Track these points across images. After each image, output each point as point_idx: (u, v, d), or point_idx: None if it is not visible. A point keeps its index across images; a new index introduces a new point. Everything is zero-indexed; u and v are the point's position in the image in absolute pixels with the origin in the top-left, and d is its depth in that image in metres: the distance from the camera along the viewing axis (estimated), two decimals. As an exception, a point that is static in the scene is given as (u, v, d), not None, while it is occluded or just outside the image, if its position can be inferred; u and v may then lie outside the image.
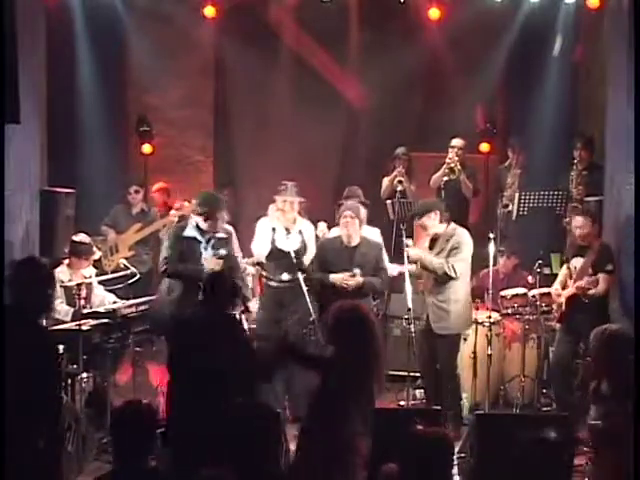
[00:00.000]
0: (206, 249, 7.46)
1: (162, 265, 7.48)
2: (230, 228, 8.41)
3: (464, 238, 7.50)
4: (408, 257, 7.42)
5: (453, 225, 7.55)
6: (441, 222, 7.50)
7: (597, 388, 5.63)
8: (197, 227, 7.47)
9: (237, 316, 6.40)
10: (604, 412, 5.46)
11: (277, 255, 7.84)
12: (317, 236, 8.24)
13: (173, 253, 7.40)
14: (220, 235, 7.57)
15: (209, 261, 7.40)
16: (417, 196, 9.84)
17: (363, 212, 7.80)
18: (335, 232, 8.24)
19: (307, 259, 7.88)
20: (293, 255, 7.68)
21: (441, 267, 7.34)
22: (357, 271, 7.44)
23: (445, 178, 9.68)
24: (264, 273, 8.02)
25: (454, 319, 7.45)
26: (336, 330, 5.48)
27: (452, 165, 9.67)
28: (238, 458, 4.30)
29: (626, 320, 7.36)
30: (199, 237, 7.43)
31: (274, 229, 7.88)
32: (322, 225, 8.41)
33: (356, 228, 7.56)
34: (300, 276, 7.58)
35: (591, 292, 7.43)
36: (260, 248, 7.96)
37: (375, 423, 5.80)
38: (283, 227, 7.88)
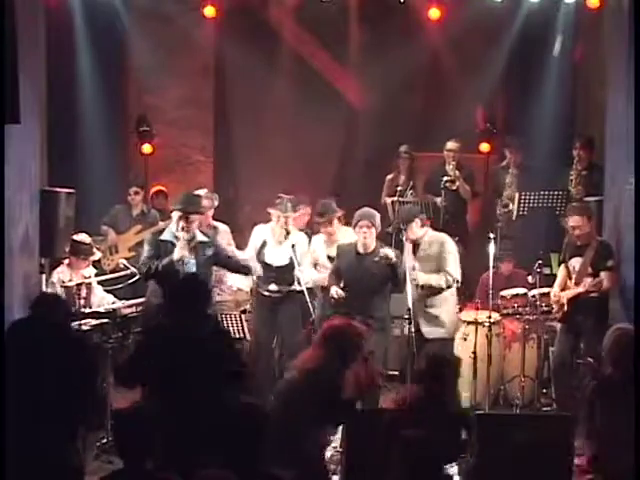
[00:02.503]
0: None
1: (141, 268, 7.45)
2: (223, 227, 8.41)
3: (447, 243, 7.64)
4: (418, 284, 7.47)
5: (429, 230, 7.70)
6: (422, 227, 7.64)
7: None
8: (169, 231, 7.44)
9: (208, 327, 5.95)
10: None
11: (265, 267, 7.95)
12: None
13: (150, 256, 7.36)
14: (201, 238, 7.44)
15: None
16: (422, 196, 9.90)
17: (378, 218, 7.70)
18: (318, 240, 8.25)
19: (302, 272, 7.85)
20: (278, 270, 7.78)
21: (447, 282, 7.52)
22: (340, 293, 7.42)
23: (445, 178, 9.69)
24: (255, 279, 8.10)
25: (442, 323, 7.59)
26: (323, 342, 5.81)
27: (451, 177, 9.72)
28: (232, 458, 4.30)
29: (626, 320, 7.36)
30: (174, 240, 7.36)
31: (265, 242, 7.95)
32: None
33: (373, 237, 7.50)
34: (302, 286, 7.65)
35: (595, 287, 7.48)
36: (252, 260, 8.01)
37: (375, 423, 5.81)
38: (275, 240, 7.93)
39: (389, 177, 10.13)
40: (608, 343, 5.51)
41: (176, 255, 7.20)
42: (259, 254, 7.97)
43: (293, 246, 7.86)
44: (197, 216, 7.41)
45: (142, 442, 4.41)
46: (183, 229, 7.29)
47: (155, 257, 7.31)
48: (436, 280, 7.52)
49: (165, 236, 7.41)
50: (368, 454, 5.70)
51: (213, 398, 5.24)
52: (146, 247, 7.52)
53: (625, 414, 5.21)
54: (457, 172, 9.78)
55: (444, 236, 7.74)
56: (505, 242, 9.05)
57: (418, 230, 7.59)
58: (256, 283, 8.11)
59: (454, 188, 9.76)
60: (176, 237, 7.32)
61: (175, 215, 7.40)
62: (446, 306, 7.65)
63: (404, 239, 7.63)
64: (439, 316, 7.59)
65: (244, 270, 7.75)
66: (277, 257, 7.93)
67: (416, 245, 7.58)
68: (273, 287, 7.93)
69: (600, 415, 5.35)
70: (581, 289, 7.52)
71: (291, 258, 7.83)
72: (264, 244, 7.97)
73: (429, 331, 7.55)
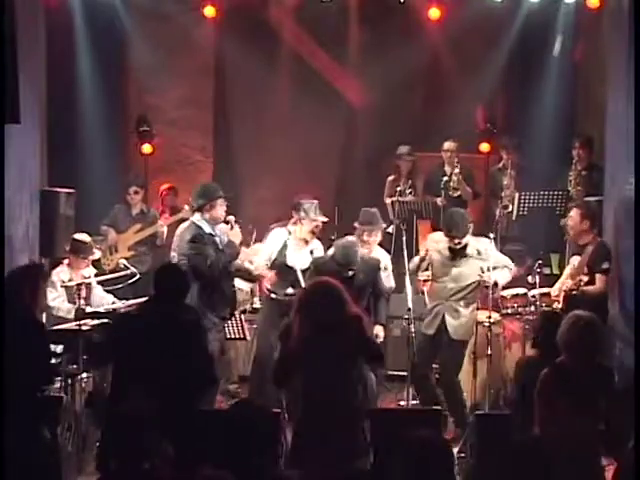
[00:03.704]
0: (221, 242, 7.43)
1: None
2: (223, 226, 8.39)
3: (490, 245, 7.61)
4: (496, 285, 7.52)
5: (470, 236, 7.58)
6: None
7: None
8: (206, 222, 7.42)
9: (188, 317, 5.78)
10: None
11: (284, 270, 7.75)
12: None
13: (207, 253, 7.26)
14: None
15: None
16: (422, 196, 9.91)
17: (358, 255, 7.40)
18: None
19: None
20: (299, 274, 7.62)
21: (510, 273, 7.63)
22: None
23: (445, 179, 9.69)
24: (268, 286, 7.91)
25: (469, 324, 7.55)
26: (303, 303, 5.52)
27: (455, 185, 9.72)
28: (237, 458, 4.30)
29: (625, 319, 7.37)
30: (213, 232, 7.40)
31: (285, 244, 7.80)
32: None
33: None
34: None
35: (590, 288, 7.47)
36: (263, 259, 7.91)
37: (374, 424, 5.81)
38: (296, 244, 7.82)
39: (390, 179, 10.13)
40: (565, 330, 5.42)
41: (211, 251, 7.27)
42: (280, 256, 7.79)
43: (311, 252, 7.80)
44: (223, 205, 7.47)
45: (139, 442, 4.41)
46: (211, 217, 7.39)
47: (210, 250, 7.27)
48: (505, 276, 7.59)
49: (207, 229, 7.38)
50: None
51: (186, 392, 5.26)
52: (192, 244, 7.28)
53: (581, 403, 5.20)
54: (459, 176, 9.76)
55: (485, 240, 7.64)
56: (516, 246, 9.01)
57: (465, 239, 7.48)
58: (270, 288, 7.89)
59: (457, 195, 9.78)
60: (212, 227, 7.41)
61: (215, 207, 7.43)
62: (472, 308, 7.58)
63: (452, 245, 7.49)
64: (466, 317, 7.52)
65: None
66: (299, 260, 7.76)
67: (461, 249, 7.45)
68: (290, 290, 7.65)
69: (552, 404, 5.31)
70: (564, 288, 7.58)
71: (311, 263, 7.73)
72: (285, 246, 7.81)
73: (456, 331, 7.48)
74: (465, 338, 7.58)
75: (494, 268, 7.44)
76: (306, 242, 7.82)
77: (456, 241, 7.39)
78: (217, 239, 7.37)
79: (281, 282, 7.78)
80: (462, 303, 7.47)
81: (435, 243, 7.56)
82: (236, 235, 7.50)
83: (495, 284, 7.48)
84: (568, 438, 5.08)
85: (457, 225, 7.41)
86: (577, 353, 5.26)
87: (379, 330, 7.38)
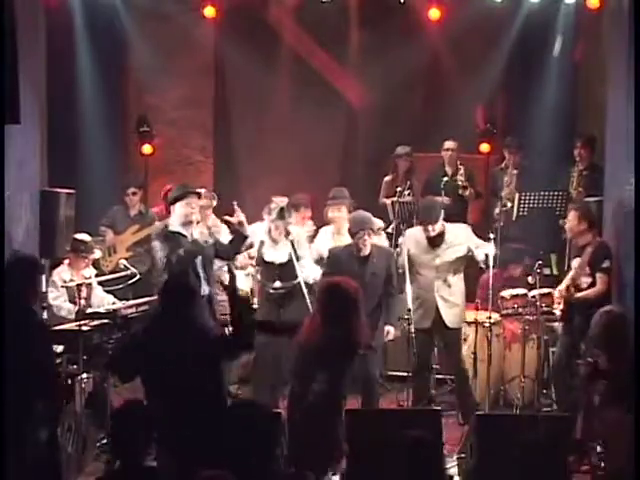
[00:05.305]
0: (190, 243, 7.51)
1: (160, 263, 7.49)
2: (223, 225, 8.42)
3: (469, 230, 7.90)
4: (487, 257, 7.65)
5: (446, 223, 7.81)
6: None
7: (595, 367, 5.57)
8: (175, 221, 7.54)
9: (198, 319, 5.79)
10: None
11: (265, 266, 7.97)
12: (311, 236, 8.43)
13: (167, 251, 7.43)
14: (202, 230, 7.63)
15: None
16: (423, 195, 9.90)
17: (375, 221, 7.81)
18: (326, 231, 8.31)
19: (304, 267, 7.90)
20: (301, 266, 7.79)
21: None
22: None
23: (445, 179, 9.68)
24: (259, 278, 8.12)
25: (461, 313, 7.81)
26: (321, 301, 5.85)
27: (463, 184, 9.73)
28: (237, 458, 4.29)
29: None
30: (182, 231, 7.46)
31: (262, 242, 7.94)
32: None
33: (369, 242, 7.46)
34: (300, 280, 7.67)
35: (590, 292, 7.48)
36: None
37: (375, 423, 5.82)
38: (272, 239, 7.94)
39: (387, 179, 10.13)
40: (596, 328, 5.43)
41: (186, 247, 7.36)
42: (259, 253, 7.99)
43: (291, 242, 7.89)
44: (196, 199, 7.53)
45: (138, 440, 4.41)
46: (187, 218, 7.42)
47: (170, 249, 7.37)
48: (492, 249, 7.67)
49: (173, 228, 7.47)
50: (368, 454, 5.71)
51: (206, 391, 5.26)
52: (157, 243, 7.49)
53: (620, 401, 5.20)
54: (463, 175, 9.79)
55: (463, 225, 8.01)
56: (516, 245, 9.03)
57: (439, 225, 7.67)
58: (261, 281, 8.11)
59: (466, 194, 9.79)
60: (183, 226, 7.44)
61: (178, 206, 7.47)
62: (462, 296, 7.81)
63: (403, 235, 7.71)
64: (459, 305, 7.77)
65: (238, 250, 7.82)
66: (276, 255, 7.93)
67: (438, 237, 7.66)
68: (277, 284, 7.88)
69: (596, 404, 5.35)
70: (565, 289, 7.62)
71: (290, 254, 7.84)
72: (262, 244, 7.97)
73: (451, 320, 7.69)
74: (460, 325, 7.83)
75: (478, 247, 7.70)
76: (283, 235, 7.91)
77: (429, 228, 7.60)
78: (185, 237, 7.42)
79: (266, 276, 7.98)
80: (450, 291, 7.66)
81: (412, 237, 7.77)
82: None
83: (486, 256, 7.63)
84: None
85: (427, 212, 7.72)
86: (617, 351, 5.28)
87: (390, 330, 7.53)
